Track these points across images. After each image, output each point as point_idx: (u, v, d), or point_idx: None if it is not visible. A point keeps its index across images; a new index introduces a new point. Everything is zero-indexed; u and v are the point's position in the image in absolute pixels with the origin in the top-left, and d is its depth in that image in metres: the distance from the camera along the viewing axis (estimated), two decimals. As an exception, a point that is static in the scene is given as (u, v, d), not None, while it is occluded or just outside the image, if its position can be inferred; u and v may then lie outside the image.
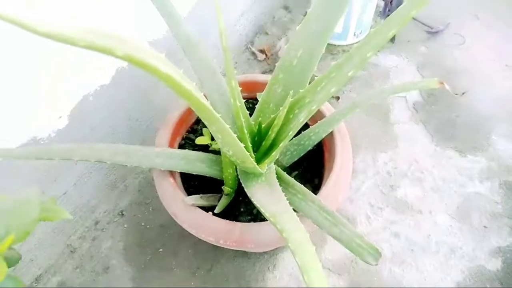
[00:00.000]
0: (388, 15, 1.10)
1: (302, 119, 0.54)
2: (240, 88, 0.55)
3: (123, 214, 0.89)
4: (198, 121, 0.79)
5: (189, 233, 0.62)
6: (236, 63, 1.14)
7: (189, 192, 0.67)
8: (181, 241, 0.85)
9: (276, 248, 0.84)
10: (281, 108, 0.55)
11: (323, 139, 0.69)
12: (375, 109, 1.05)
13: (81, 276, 0.81)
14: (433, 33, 1.19)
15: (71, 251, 0.84)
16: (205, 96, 0.64)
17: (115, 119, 0.81)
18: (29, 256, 0.78)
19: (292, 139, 0.69)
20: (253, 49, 1.16)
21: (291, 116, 0.57)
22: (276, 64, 0.63)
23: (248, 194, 0.56)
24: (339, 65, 0.50)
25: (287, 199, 0.59)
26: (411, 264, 0.81)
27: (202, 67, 0.63)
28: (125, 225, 0.88)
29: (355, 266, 0.81)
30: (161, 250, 0.84)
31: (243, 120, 0.56)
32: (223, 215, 0.63)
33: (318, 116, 0.71)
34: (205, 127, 0.75)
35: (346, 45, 1.03)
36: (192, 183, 0.70)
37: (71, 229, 0.85)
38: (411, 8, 0.43)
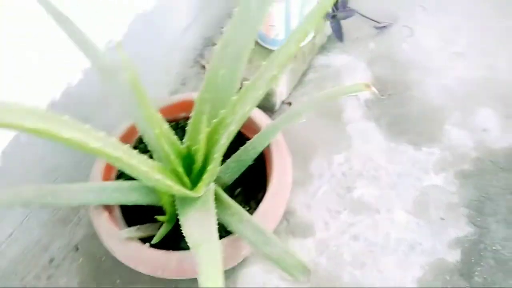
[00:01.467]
0: (334, 16, 1.10)
1: (223, 141, 0.53)
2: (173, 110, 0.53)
3: (77, 249, 0.87)
4: (138, 144, 0.77)
5: None
6: (184, 78, 1.12)
7: (131, 223, 0.66)
8: (140, 274, 0.82)
9: (240, 263, 0.83)
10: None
11: (263, 152, 0.68)
12: (327, 111, 1.04)
13: (37, 318, 0.79)
14: (381, 28, 1.19)
15: (26, 292, 0.82)
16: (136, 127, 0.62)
17: (56, 154, 0.79)
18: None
19: (230, 156, 0.68)
20: (203, 62, 1.15)
21: (216, 137, 0.56)
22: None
23: (180, 222, 0.55)
24: (252, 84, 0.49)
25: (225, 221, 0.58)
26: (371, 265, 0.81)
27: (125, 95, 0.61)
28: (81, 259, 0.85)
29: (316, 274, 0.80)
30: (118, 281, 0.82)
31: (166, 147, 0.55)
32: (165, 244, 0.62)
33: (256, 129, 0.69)
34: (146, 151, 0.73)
35: (292, 50, 1.02)
36: (134, 213, 0.68)
37: (25, 270, 0.83)
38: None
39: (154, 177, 0.48)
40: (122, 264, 0.83)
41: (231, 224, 0.57)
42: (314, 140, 0.99)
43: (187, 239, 0.49)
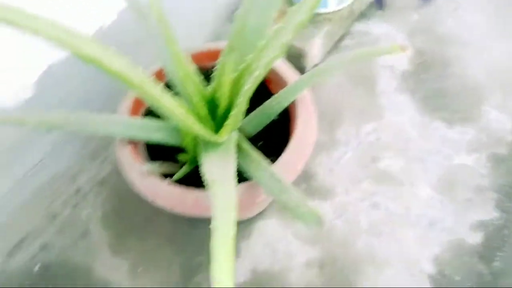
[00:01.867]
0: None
1: (248, 86, 0.53)
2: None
3: (103, 183, 0.90)
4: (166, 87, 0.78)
5: None
6: (218, 35, 1.11)
7: (154, 160, 0.67)
8: (158, 209, 0.85)
9: (256, 216, 0.84)
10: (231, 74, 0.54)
11: (288, 108, 0.68)
12: (360, 79, 1.01)
13: (61, 240, 0.84)
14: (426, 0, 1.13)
15: (53, 216, 0.87)
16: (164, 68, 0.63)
17: (90, 87, 0.81)
18: (11, 219, 0.81)
19: (255, 108, 0.68)
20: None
21: (241, 83, 0.56)
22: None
23: (200, 162, 0.56)
24: (279, 30, 0.48)
25: (244, 168, 0.59)
26: (388, 235, 0.80)
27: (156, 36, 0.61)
28: (105, 194, 0.89)
29: (330, 237, 0.80)
30: (138, 218, 0.85)
31: (191, 88, 0.55)
32: (185, 183, 0.63)
33: (283, 84, 0.69)
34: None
35: (329, 12, 0.98)
36: (158, 152, 0.70)
37: (53, 196, 0.87)
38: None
39: (179, 113, 0.48)
40: (144, 202, 0.87)
41: (250, 171, 0.58)
42: (344, 106, 0.97)
43: (204, 176, 0.50)
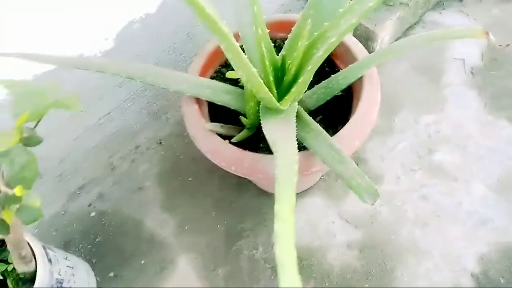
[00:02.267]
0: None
1: (321, 53, 0.54)
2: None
3: (161, 143, 0.95)
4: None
5: (217, 167, 0.64)
6: (289, 10, 1.12)
7: (214, 121, 0.70)
8: (210, 174, 0.89)
9: (301, 193, 0.85)
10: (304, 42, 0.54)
11: (352, 85, 0.68)
12: (428, 69, 0.98)
13: (117, 191, 0.90)
14: (511, -7, 1.07)
15: (112, 168, 0.93)
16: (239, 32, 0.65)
17: (159, 51, 0.86)
18: (75, 165, 0.88)
19: (320, 82, 0.68)
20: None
21: (313, 51, 0.57)
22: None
23: (262, 125, 0.58)
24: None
25: (302, 137, 0.60)
26: (434, 229, 0.79)
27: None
28: (162, 153, 0.94)
29: (374, 222, 0.80)
30: (190, 179, 0.89)
31: (264, 51, 0.57)
32: (241, 147, 0.65)
33: (351, 60, 0.69)
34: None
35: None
36: (220, 115, 0.73)
37: (115, 148, 0.93)
38: None
39: (253, 74, 0.50)
40: (198, 165, 0.91)
41: (308, 141, 0.59)
42: (406, 94, 0.95)
43: (267, 138, 0.51)
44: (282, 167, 0.43)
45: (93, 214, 0.88)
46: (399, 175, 0.85)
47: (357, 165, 0.86)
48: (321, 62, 0.56)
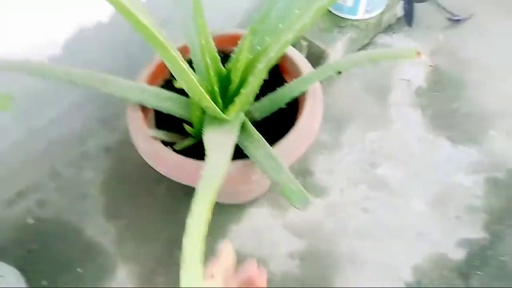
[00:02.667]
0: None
1: (262, 66, 0.55)
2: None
3: (109, 150, 0.93)
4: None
5: (165, 176, 0.64)
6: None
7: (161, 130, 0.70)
8: (157, 183, 0.88)
9: (248, 203, 0.86)
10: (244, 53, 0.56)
11: (298, 98, 0.70)
12: (376, 88, 1.03)
13: (59, 199, 0.87)
14: (455, 21, 1.14)
15: (55, 175, 0.90)
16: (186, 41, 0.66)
17: (111, 59, 0.84)
18: (16, 169, 0.84)
19: (267, 94, 0.70)
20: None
21: (256, 64, 0.58)
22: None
23: (203, 133, 0.58)
24: (299, 16, 0.51)
25: (244, 146, 0.61)
26: (372, 241, 0.81)
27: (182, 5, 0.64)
28: (110, 160, 0.92)
29: (318, 233, 0.82)
30: (137, 187, 0.88)
31: (209, 61, 0.58)
32: (186, 155, 0.65)
33: (297, 74, 0.71)
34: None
35: (357, 19, 1.01)
36: (167, 124, 0.73)
37: (59, 155, 0.90)
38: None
39: (195, 85, 0.50)
40: (145, 173, 0.90)
41: (249, 150, 0.60)
42: (354, 111, 0.99)
43: (205, 145, 0.52)
44: (210, 171, 0.43)
45: (31, 221, 0.85)
46: (343, 188, 0.88)
47: (303, 177, 0.89)
48: (264, 75, 0.58)
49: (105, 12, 0.77)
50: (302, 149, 0.63)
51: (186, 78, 0.50)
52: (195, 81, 0.51)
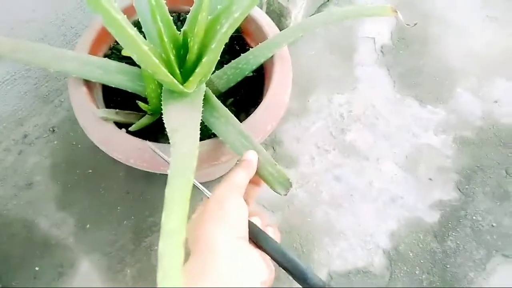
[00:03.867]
0: None
1: (225, 29, 0.47)
2: None
3: (54, 131, 0.83)
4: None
5: None
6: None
7: (111, 107, 0.61)
8: (114, 164, 0.79)
9: (218, 179, 0.80)
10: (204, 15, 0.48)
11: (264, 65, 0.63)
12: (339, 48, 0.98)
13: (1, 190, 0.77)
14: (417, -27, 1.10)
15: (-7, 163, 0.79)
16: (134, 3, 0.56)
17: (44, 22, 0.73)
18: None
19: (230, 61, 0.63)
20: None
21: (217, 27, 0.51)
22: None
23: (163, 111, 0.51)
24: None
25: (211, 122, 0.55)
26: (347, 209, 0.79)
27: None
28: (55, 142, 0.82)
29: (290, 206, 0.78)
30: (90, 171, 0.79)
31: (161, 25, 0.49)
32: (143, 136, 0.58)
33: (262, 38, 0.64)
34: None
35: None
36: (117, 99, 0.64)
37: (-5, 140, 0.80)
38: None
39: (146, 55, 0.43)
40: (98, 154, 0.81)
41: (217, 127, 0.53)
42: (320, 74, 0.94)
43: (166, 125, 0.45)
44: (177, 165, 0.37)
45: (-29, 217, 0.74)
46: (314, 156, 0.84)
47: (273, 148, 0.84)
48: (226, 40, 0.50)
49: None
50: (274, 122, 0.57)
51: (135, 47, 0.42)
52: (149, 52, 0.43)
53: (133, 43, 0.40)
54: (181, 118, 0.48)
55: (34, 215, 0.75)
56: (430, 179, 0.82)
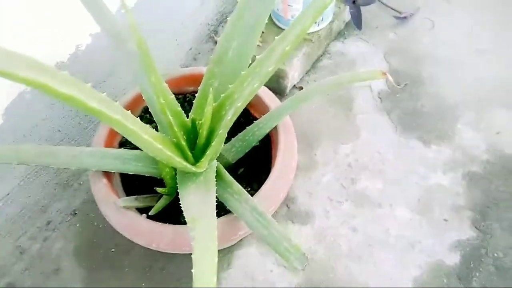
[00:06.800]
0: (354, 2, 1.07)
1: (230, 117, 0.51)
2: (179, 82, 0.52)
3: (75, 214, 0.86)
4: (144, 114, 0.76)
5: None
6: (199, 53, 1.10)
7: (130, 192, 0.65)
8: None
9: (235, 244, 0.82)
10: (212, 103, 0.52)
11: (270, 134, 0.67)
12: (338, 99, 1.02)
13: (30, 278, 0.79)
14: (401, 18, 1.15)
15: (21, 252, 0.82)
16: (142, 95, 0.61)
17: (59, 117, 0.78)
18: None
19: (237, 135, 0.67)
20: (217, 38, 1.12)
21: (222, 113, 0.55)
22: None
23: (180, 196, 0.54)
24: (262, 59, 0.47)
25: (224, 198, 0.57)
26: (368, 259, 0.79)
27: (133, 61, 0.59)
28: (78, 225, 0.85)
29: (311, 263, 0.79)
30: (113, 250, 0.82)
31: (171, 118, 0.53)
32: (163, 217, 0.61)
33: (264, 109, 0.68)
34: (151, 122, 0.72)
35: (308, 33, 0.99)
36: (135, 183, 0.68)
37: (20, 230, 0.83)
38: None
39: (155, 146, 0.46)
40: (119, 233, 0.83)
41: (231, 203, 0.56)
42: (322, 127, 0.97)
43: (185, 213, 0.48)
44: (200, 257, 0.39)
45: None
46: (328, 209, 0.86)
47: (286, 206, 0.86)
48: (231, 124, 0.54)
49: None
50: (285, 190, 0.60)
51: (150, 147, 0.46)
52: (162, 149, 0.47)
53: (145, 144, 0.44)
54: (197, 203, 0.51)
55: (63, 300, 0.77)
56: (445, 219, 0.83)
